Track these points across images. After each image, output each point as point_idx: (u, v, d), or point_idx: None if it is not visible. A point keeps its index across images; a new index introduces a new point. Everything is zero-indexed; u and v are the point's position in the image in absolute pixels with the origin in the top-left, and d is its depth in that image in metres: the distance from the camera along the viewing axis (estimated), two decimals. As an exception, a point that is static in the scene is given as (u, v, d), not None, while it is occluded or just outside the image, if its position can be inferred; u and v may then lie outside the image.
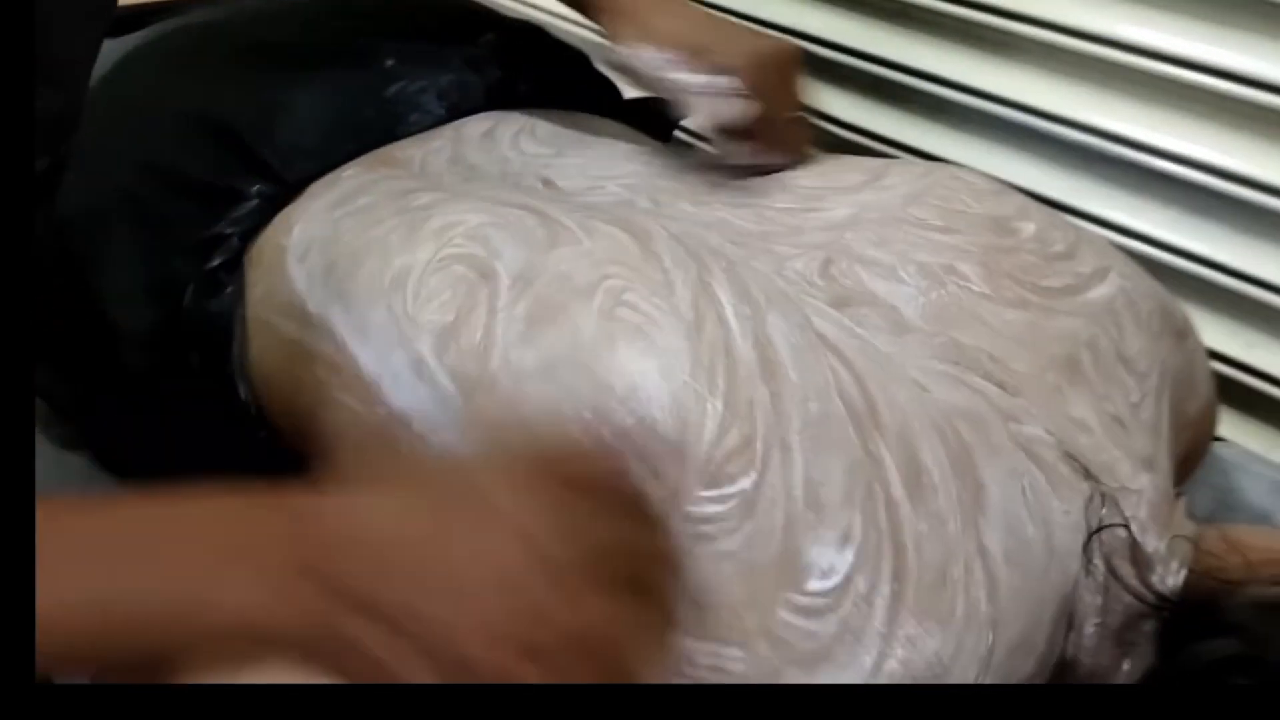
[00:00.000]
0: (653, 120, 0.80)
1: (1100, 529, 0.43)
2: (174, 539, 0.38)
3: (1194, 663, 0.40)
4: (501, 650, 0.38)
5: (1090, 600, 0.43)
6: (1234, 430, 0.81)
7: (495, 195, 0.62)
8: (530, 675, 0.38)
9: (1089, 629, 0.43)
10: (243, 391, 0.61)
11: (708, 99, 0.63)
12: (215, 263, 0.63)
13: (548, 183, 0.65)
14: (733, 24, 0.70)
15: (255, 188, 0.65)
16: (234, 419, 0.61)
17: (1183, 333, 0.57)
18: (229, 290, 0.62)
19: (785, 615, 0.44)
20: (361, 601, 0.38)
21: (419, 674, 0.38)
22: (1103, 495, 0.44)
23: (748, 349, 0.49)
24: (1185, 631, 0.42)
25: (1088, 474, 0.45)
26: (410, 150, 0.69)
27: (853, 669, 0.43)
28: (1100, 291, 0.55)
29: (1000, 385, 0.49)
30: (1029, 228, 0.58)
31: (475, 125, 0.72)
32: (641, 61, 0.65)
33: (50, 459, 0.69)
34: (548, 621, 0.38)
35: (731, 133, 0.64)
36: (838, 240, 0.54)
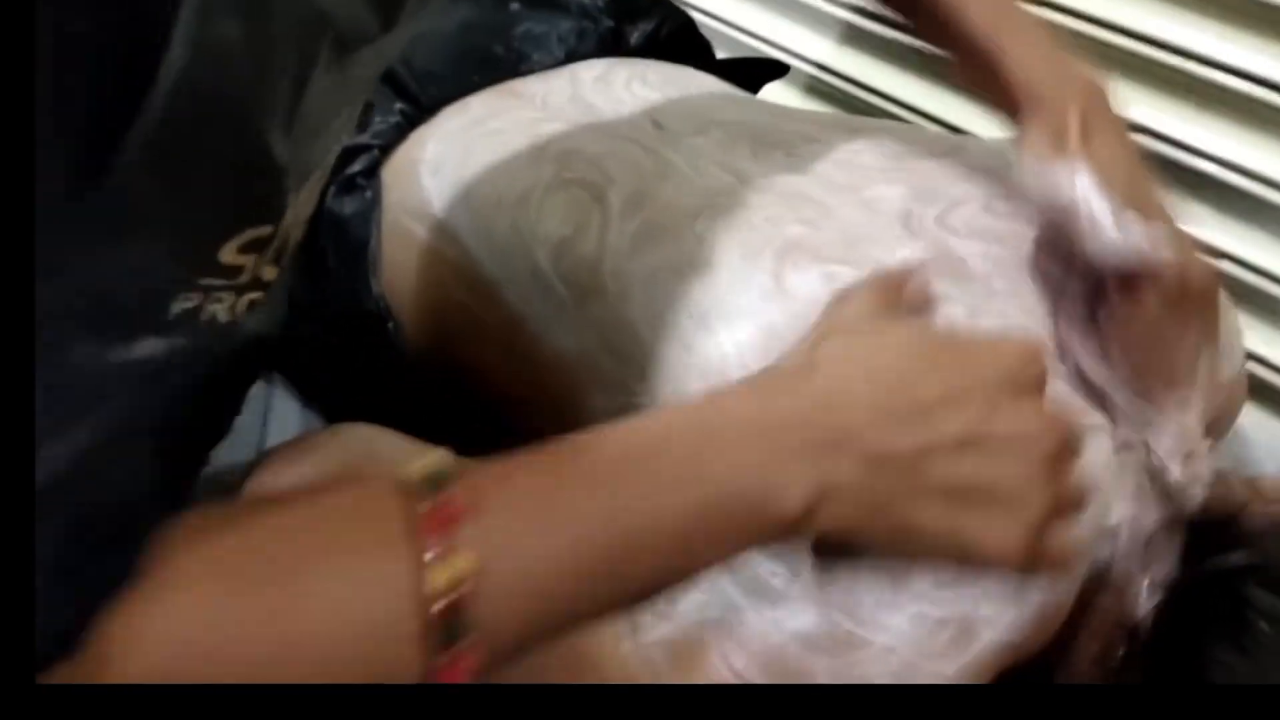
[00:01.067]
0: (744, 80, 0.87)
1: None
2: (714, 443, 0.41)
3: (1212, 571, 0.47)
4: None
5: (1126, 510, 0.50)
6: (1249, 423, 0.87)
7: (610, 130, 0.70)
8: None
9: (1124, 535, 0.50)
10: (374, 287, 0.69)
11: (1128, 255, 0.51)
12: (355, 169, 0.71)
13: (656, 124, 0.72)
14: (1157, 189, 0.57)
15: (396, 105, 0.73)
16: (365, 313, 0.69)
17: (1224, 304, 0.63)
18: (367, 194, 0.70)
19: None
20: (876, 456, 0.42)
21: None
22: (1142, 423, 0.51)
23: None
24: (1205, 545, 0.49)
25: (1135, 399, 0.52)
26: (534, 86, 0.76)
27: None
28: None
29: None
30: None
31: (590, 69, 0.79)
32: (1066, 186, 0.52)
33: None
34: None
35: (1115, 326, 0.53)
36: (923, 190, 0.60)
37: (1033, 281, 0.54)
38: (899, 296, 0.49)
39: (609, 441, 0.42)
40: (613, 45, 0.83)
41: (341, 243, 0.70)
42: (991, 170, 0.60)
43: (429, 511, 0.37)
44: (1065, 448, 0.45)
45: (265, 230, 0.40)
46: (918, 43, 1.02)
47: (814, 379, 0.44)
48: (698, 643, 0.49)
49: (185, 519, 0.37)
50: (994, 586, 0.48)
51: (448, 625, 0.36)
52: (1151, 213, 0.52)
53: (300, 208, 0.43)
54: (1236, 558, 0.47)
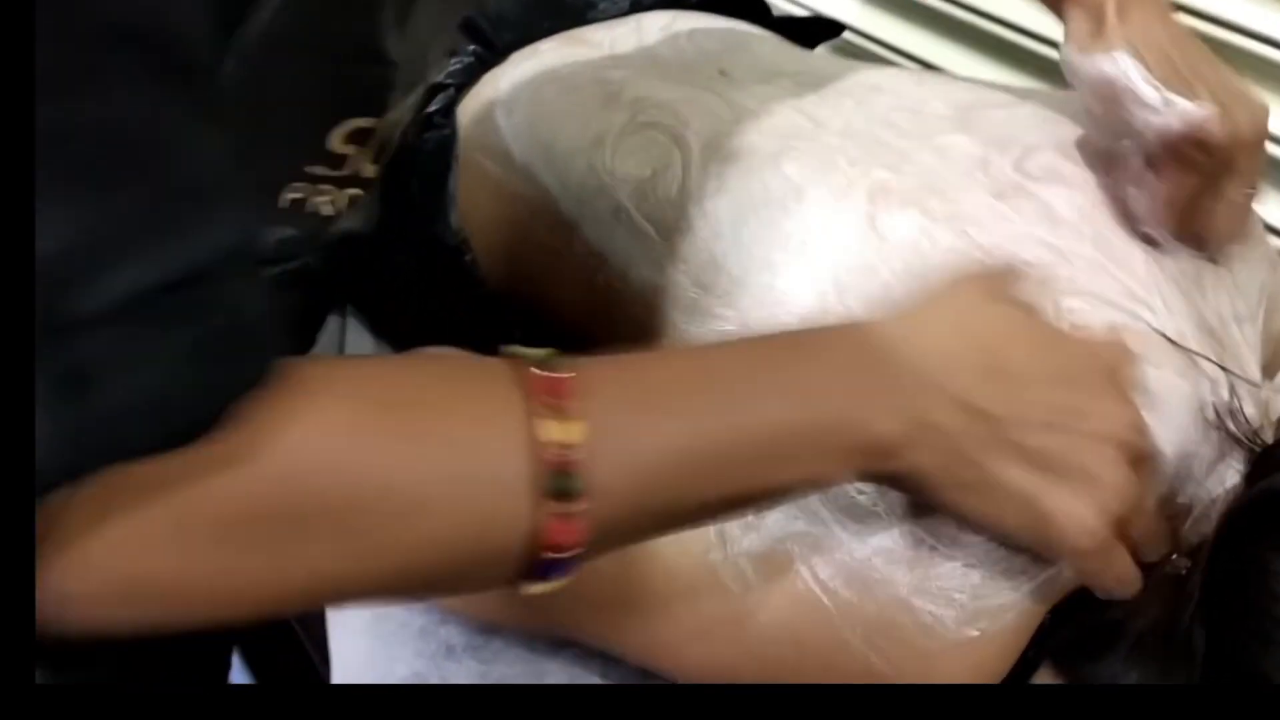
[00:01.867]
0: (799, 39, 0.89)
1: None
2: (820, 367, 0.44)
3: (1270, 490, 0.50)
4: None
5: (1197, 448, 0.53)
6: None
7: (679, 77, 0.72)
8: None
9: (1194, 468, 0.53)
10: (454, 220, 0.71)
11: (1168, 117, 0.53)
12: (434, 107, 0.73)
13: (723, 73, 0.74)
14: (1213, 59, 0.58)
15: (471, 47, 0.75)
16: (444, 245, 0.71)
17: (1275, 264, 0.66)
18: (445, 131, 0.72)
19: None
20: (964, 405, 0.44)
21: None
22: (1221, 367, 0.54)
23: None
24: (1265, 469, 0.52)
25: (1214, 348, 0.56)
26: (600, 34, 0.78)
27: None
28: None
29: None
30: None
31: (655, 18, 0.81)
32: (1105, 70, 0.54)
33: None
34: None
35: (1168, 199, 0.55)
36: (994, 138, 0.63)
37: (1114, 219, 0.57)
38: (1010, 288, 0.50)
39: (716, 350, 0.45)
40: (676, -2, 0.85)
41: (422, 176, 0.72)
42: (1058, 119, 0.63)
43: (543, 378, 0.38)
44: (1149, 455, 0.47)
45: (369, 122, 0.42)
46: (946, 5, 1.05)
47: (923, 335, 0.46)
48: (784, 554, 0.52)
49: (312, 359, 0.37)
50: None
51: (558, 478, 0.37)
52: (1197, 80, 0.54)
53: (403, 112, 0.45)
54: None
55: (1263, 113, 0.56)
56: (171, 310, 0.31)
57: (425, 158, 0.72)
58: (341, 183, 0.43)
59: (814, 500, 0.52)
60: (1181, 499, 0.53)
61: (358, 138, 0.42)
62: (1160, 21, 0.57)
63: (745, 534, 0.53)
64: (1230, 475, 0.53)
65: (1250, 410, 0.55)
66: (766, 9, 0.92)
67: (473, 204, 0.71)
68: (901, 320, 0.47)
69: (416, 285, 0.73)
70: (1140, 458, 0.47)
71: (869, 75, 0.71)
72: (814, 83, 0.71)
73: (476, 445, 0.37)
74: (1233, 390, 0.53)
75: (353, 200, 0.45)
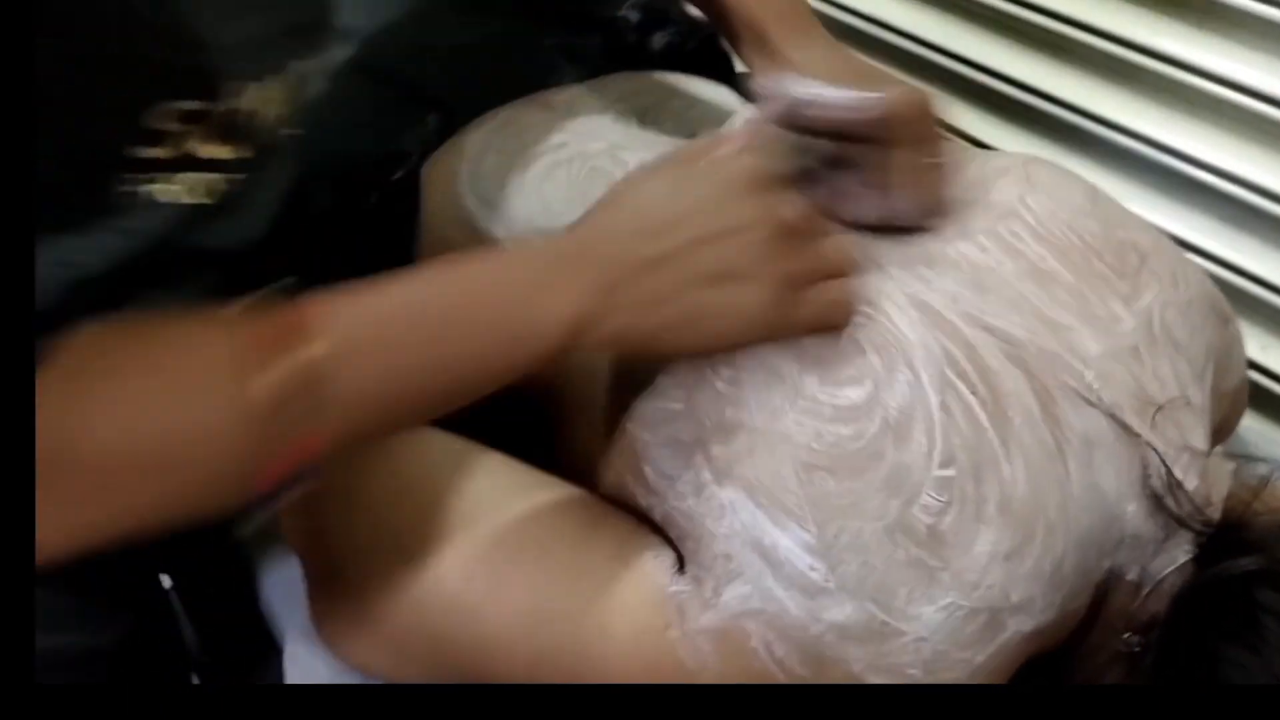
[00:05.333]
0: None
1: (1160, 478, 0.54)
2: (496, 291, 0.51)
3: (1223, 576, 0.50)
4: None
5: (1141, 525, 0.54)
6: (1248, 431, 0.90)
7: (628, 131, 0.73)
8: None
9: (1137, 541, 0.53)
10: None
11: (845, 109, 0.61)
12: (396, 175, 0.74)
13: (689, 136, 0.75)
14: (876, 67, 0.69)
15: (431, 116, 0.76)
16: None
17: (1226, 318, 0.67)
18: (407, 201, 0.73)
19: None
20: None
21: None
22: (1156, 449, 0.55)
23: None
24: (1216, 551, 0.52)
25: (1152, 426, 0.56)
26: (561, 97, 0.79)
27: None
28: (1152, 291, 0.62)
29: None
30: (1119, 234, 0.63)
31: (616, 83, 0.82)
32: (781, 87, 0.63)
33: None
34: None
35: (870, 174, 0.62)
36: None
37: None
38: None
39: (434, 275, 0.52)
40: (638, 56, 0.86)
41: (384, 248, 0.72)
42: None
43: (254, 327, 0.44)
44: (790, 229, 0.54)
45: (195, 105, 0.45)
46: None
47: (587, 223, 0.54)
48: (740, 631, 0.53)
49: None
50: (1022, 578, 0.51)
51: (277, 417, 0.43)
52: (860, 80, 0.63)
53: (266, 102, 0.48)
54: (1247, 562, 0.50)
55: (919, 92, 0.63)
56: None
57: (386, 229, 0.72)
58: (173, 166, 0.45)
59: (768, 577, 0.52)
60: (1130, 576, 0.53)
61: (189, 119, 0.45)
62: (824, 46, 0.68)
63: (703, 612, 0.53)
64: (1179, 554, 0.53)
65: (1193, 483, 0.55)
66: (729, 64, 0.93)
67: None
68: (580, 223, 0.54)
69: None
70: (780, 234, 0.54)
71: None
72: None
73: (206, 391, 0.44)
74: (1169, 471, 0.53)
75: (212, 189, 0.48)
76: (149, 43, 0.42)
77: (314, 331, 0.45)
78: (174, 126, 0.44)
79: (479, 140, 0.75)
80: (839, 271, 0.57)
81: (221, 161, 0.47)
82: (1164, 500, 0.52)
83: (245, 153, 0.48)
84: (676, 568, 0.56)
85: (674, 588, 0.54)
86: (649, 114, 0.79)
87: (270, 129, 0.49)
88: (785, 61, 0.66)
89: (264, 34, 0.48)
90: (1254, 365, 0.91)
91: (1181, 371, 0.58)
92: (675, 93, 0.83)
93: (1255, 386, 0.90)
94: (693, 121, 0.79)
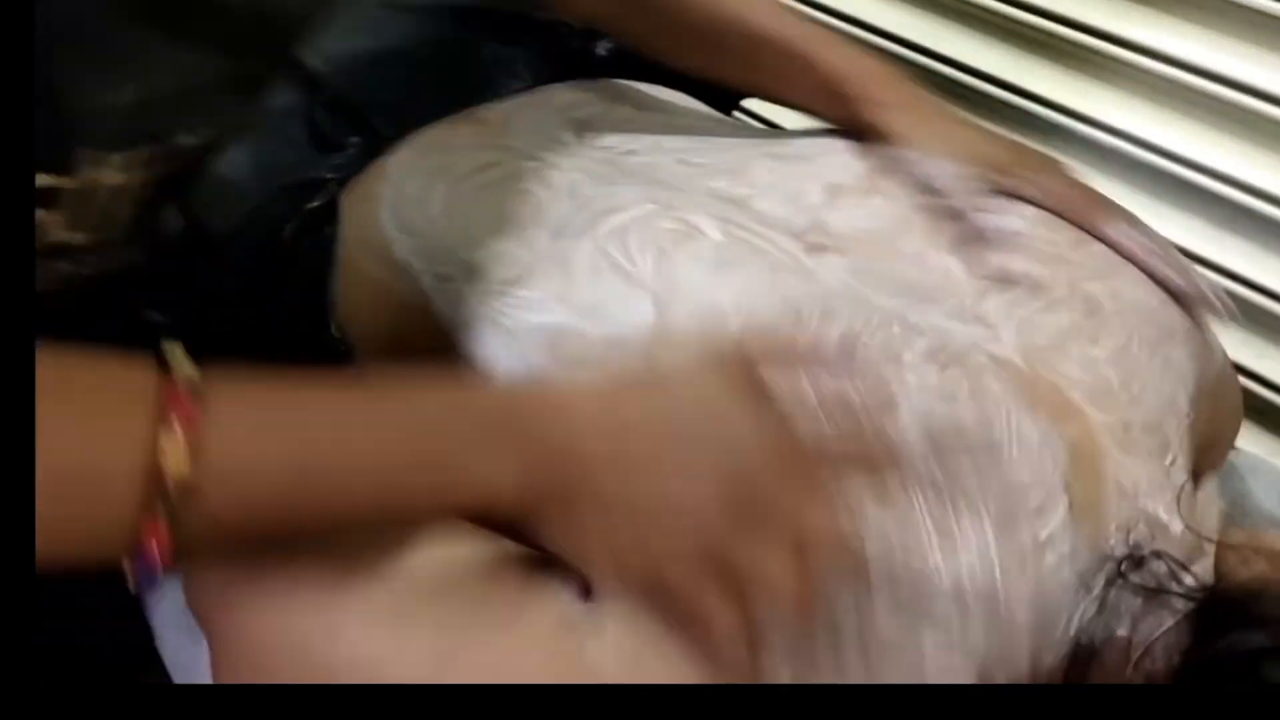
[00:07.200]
0: (713, 93, 0.85)
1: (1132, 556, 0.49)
2: (424, 417, 0.45)
3: (1225, 654, 0.45)
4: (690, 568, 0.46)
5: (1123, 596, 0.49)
6: (1243, 438, 0.87)
7: (572, 152, 0.68)
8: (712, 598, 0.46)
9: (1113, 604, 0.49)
10: (334, 326, 0.67)
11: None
12: (314, 204, 0.69)
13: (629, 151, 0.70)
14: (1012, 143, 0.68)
15: (352, 138, 0.71)
16: (328, 353, 0.67)
17: (1214, 347, 0.62)
18: (326, 230, 0.68)
19: None
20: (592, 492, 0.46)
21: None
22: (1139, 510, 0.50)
23: None
24: (1215, 626, 0.47)
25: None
26: (494, 112, 0.74)
27: None
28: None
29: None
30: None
31: (557, 93, 0.77)
32: (933, 171, 0.62)
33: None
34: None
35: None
36: None
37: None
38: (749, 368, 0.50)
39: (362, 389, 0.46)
40: (581, 62, 0.81)
41: (302, 280, 0.68)
42: None
43: (177, 392, 0.39)
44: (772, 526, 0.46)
45: (52, 180, 0.40)
46: None
47: (570, 417, 0.47)
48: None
49: None
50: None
51: (165, 492, 0.38)
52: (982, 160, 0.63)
53: (124, 177, 0.43)
54: (1255, 638, 0.45)
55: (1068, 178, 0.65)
56: None
57: (304, 259, 0.68)
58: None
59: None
60: (1121, 632, 0.49)
61: (41, 199, 0.40)
62: (942, 118, 0.66)
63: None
64: (1165, 616, 0.48)
65: (1177, 528, 0.51)
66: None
67: (355, 309, 0.67)
68: (588, 395, 0.48)
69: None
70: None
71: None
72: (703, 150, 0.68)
73: (94, 440, 0.38)
74: (1138, 545, 0.48)
75: (70, 278, 0.43)
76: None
77: (210, 429, 0.40)
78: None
79: (403, 162, 0.70)
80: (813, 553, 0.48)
81: (85, 248, 0.43)
82: (1127, 577, 0.47)
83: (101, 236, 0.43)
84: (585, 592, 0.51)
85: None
86: (591, 125, 0.74)
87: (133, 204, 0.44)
88: (931, 134, 0.64)
89: (164, 97, 0.43)
90: (1250, 374, 0.86)
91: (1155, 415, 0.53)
92: (620, 101, 0.77)
93: (1251, 395, 0.86)
94: (640, 132, 0.74)
